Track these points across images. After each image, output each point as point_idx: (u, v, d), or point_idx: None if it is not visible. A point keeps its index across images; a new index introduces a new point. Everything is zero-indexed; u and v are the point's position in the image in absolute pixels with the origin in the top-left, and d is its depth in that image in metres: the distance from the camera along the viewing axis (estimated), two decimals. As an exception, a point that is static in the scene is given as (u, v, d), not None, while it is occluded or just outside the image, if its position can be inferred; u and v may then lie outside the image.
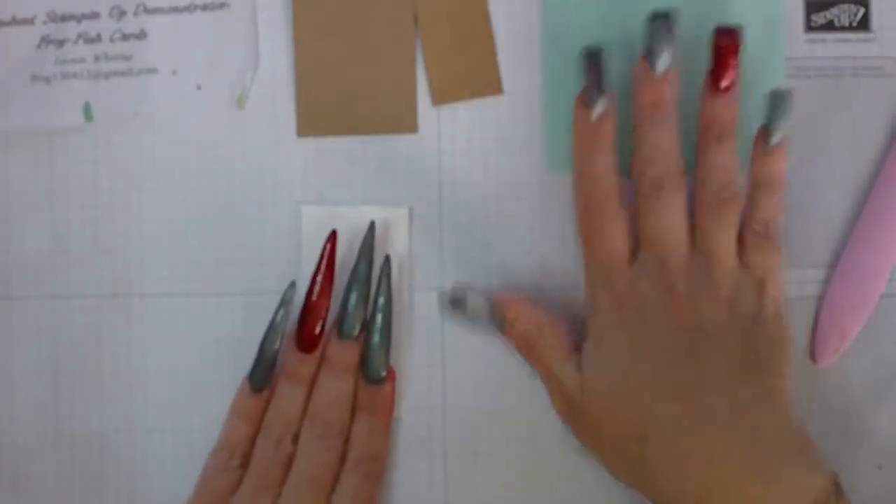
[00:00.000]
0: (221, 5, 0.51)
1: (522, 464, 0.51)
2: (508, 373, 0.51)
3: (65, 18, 0.51)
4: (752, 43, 0.50)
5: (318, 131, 0.51)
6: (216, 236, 0.51)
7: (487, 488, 0.51)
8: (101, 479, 0.51)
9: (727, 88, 0.45)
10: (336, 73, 0.50)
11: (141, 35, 0.51)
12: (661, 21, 0.44)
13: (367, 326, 0.48)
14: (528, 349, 0.47)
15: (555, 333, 0.46)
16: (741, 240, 0.45)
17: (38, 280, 0.51)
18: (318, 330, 0.48)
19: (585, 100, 0.45)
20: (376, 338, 0.48)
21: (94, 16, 0.51)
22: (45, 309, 0.51)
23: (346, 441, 0.48)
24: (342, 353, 0.48)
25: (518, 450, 0.51)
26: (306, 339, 0.48)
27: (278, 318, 0.48)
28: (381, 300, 0.48)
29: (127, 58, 0.51)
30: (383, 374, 0.48)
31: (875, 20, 0.51)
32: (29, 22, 0.51)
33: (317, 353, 0.48)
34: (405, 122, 0.51)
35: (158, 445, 0.51)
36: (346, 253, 0.50)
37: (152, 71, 0.51)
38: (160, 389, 0.51)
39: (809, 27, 0.51)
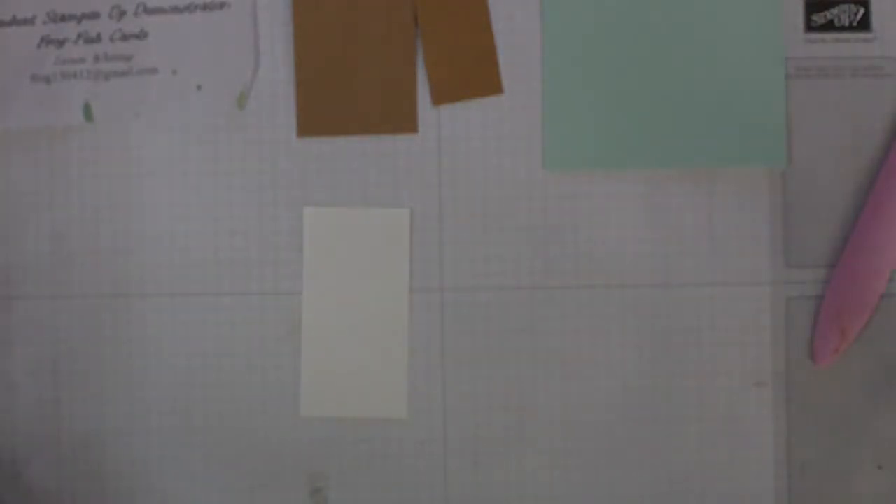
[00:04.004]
0: (221, 5, 0.51)
1: (523, 464, 0.51)
2: (508, 372, 0.51)
3: (65, 18, 0.51)
4: (752, 43, 0.50)
5: (318, 131, 0.51)
6: (216, 236, 0.51)
7: (487, 488, 0.51)
8: (101, 479, 0.51)
9: None
10: (336, 73, 0.50)
11: (141, 35, 0.51)
12: None
13: None
14: None
15: None
16: None
17: (38, 280, 0.51)
18: None
19: None
20: None
21: (94, 16, 0.51)
22: (45, 309, 0.51)
23: None
24: None
25: (519, 450, 0.51)
26: None
27: None
28: None
29: (127, 58, 0.51)
30: None
31: (875, 20, 0.51)
32: (29, 22, 0.51)
33: None
34: (405, 122, 0.51)
35: (158, 445, 0.51)
36: (346, 254, 0.50)
37: (152, 71, 0.51)
38: (160, 389, 0.51)
39: (809, 27, 0.51)
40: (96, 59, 0.51)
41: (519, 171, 0.51)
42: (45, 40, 0.51)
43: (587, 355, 0.51)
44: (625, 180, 0.51)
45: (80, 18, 0.51)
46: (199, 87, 0.51)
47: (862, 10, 0.51)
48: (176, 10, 0.51)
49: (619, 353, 0.51)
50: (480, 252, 0.51)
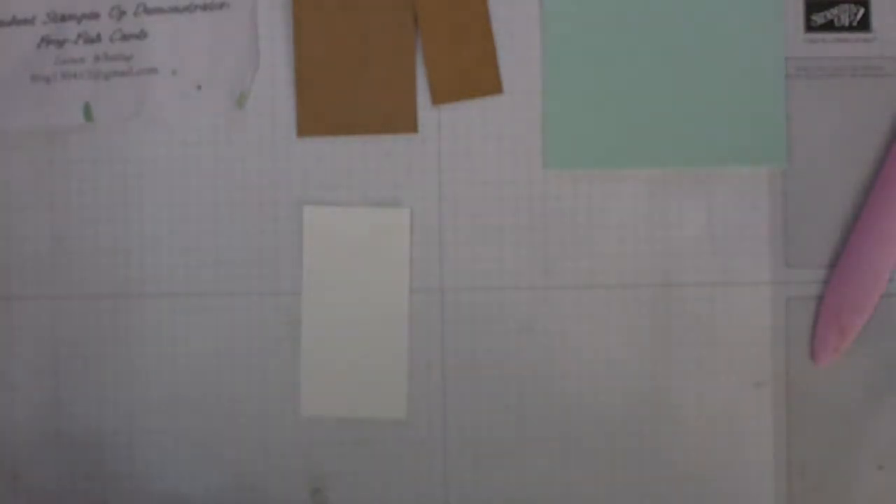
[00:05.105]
0: (221, 5, 0.51)
1: (523, 464, 0.51)
2: (508, 372, 0.51)
3: (65, 18, 0.51)
4: (752, 43, 0.50)
5: (318, 131, 0.51)
6: (216, 236, 0.51)
7: (487, 488, 0.51)
8: (101, 479, 0.51)
9: None
10: (336, 73, 0.50)
11: (141, 35, 0.51)
12: None
13: None
14: None
15: None
16: None
17: (38, 280, 0.51)
18: None
19: None
20: None
21: (94, 16, 0.51)
22: (45, 309, 0.51)
23: None
24: None
25: (519, 450, 0.51)
26: None
27: None
28: None
29: (127, 58, 0.51)
30: None
31: (875, 20, 0.51)
32: (29, 22, 0.51)
33: None
34: (405, 122, 0.51)
35: (158, 445, 0.51)
36: (346, 254, 0.50)
37: (152, 71, 0.51)
38: (160, 389, 0.51)
39: (809, 27, 0.51)
40: (96, 59, 0.51)
41: (519, 171, 0.51)
42: (45, 40, 0.51)
43: (587, 355, 0.51)
44: (625, 180, 0.51)
45: (80, 18, 0.51)
46: (199, 87, 0.51)
47: (862, 10, 0.51)
48: (176, 10, 0.51)
49: (619, 353, 0.51)
50: (480, 252, 0.51)
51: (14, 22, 0.51)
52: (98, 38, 0.51)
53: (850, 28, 0.51)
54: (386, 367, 0.50)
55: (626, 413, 0.51)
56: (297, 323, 0.51)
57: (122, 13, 0.51)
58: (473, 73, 0.51)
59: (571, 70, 0.50)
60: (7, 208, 0.52)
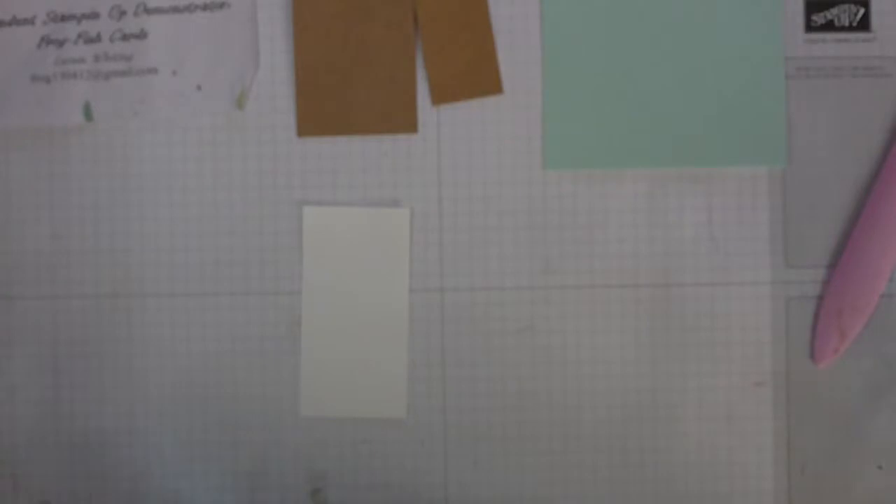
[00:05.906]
0: (221, 5, 0.51)
1: (523, 464, 0.51)
2: (508, 373, 0.51)
3: (65, 18, 0.51)
4: (752, 43, 0.50)
5: (318, 131, 0.51)
6: (216, 236, 0.51)
7: (487, 488, 0.51)
8: (101, 479, 0.51)
9: None
10: (336, 73, 0.50)
11: (141, 35, 0.51)
12: None
13: None
14: None
15: None
16: None
17: (38, 280, 0.51)
18: None
19: None
20: None
21: (94, 16, 0.51)
22: (45, 309, 0.51)
23: None
24: None
25: (519, 450, 0.51)
26: None
27: None
28: None
29: (127, 58, 0.51)
30: None
31: (875, 20, 0.51)
32: (29, 22, 0.51)
33: None
34: (405, 122, 0.51)
35: (158, 445, 0.51)
36: (346, 254, 0.50)
37: (152, 71, 0.51)
38: (160, 389, 0.51)
39: (809, 27, 0.51)
40: (96, 59, 0.51)
41: (519, 171, 0.51)
42: (45, 40, 0.51)
43: (587, 355, 0.51)
44: (625, 180, 0.51)
45: (80, 18, 0.51)
46: (199, 87, 0.51)
47: (862, 10, 0.51)
48: (176, 10, 0.51)
49: (619, 353, 0.51)
50: (480, 252, 0.51)
51: (14, 22, 0.51)
52: (98, 38, 0.51)
53: (850, 28, 0.51)
54: (386, 367, 0.50)
55: (625, 413, 0.51)
56: (297, 323, 0.51)
57: (122, 13, 0.51)
58: (473, 73, 0.51)
59: (571, 70, 0.50)
60: (7, 208, 0.52)
